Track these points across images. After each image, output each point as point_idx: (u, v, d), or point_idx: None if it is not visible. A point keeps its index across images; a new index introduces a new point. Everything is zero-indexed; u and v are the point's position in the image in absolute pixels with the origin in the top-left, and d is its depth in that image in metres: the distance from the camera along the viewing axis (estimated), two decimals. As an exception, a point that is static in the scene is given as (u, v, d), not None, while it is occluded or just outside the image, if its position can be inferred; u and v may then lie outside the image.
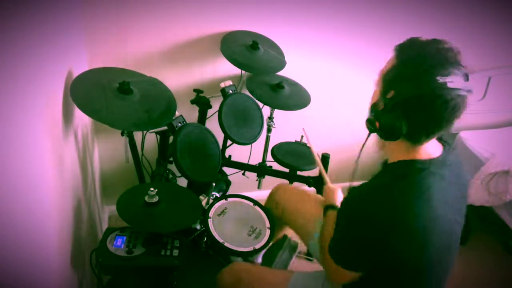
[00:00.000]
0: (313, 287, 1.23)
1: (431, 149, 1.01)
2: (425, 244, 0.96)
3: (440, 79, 0.88)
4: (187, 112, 1.61)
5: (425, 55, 0.92)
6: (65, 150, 1.20)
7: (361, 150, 1.09)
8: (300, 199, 1.52)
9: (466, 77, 0.93)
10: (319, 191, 1.78)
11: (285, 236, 1.77)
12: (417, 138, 0.97)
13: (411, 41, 0.98)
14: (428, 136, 0.97)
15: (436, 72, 0.88)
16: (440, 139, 1.08)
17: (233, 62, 1.65)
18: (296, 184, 1.79)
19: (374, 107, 1.00)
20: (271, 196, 1.61)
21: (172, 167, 1.61)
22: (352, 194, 1.06)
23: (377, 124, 0.97)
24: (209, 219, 1.45)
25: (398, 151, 1.01)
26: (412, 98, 0.90)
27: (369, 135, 1.04)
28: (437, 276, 1.05)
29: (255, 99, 1.73)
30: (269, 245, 1.44)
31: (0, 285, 0.64)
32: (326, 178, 1.46)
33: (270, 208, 1.55)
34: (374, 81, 1.02)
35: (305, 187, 1.83)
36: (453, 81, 0.89)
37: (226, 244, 1.37)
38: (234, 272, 1.30)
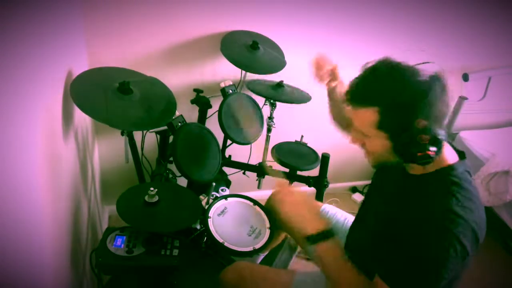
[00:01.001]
0: (318, 287, 1.23)
1: (449, 151, 1.00)
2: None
3: (421, 77, 0.90)
4: (187, 112, 1.61)
5: (391, 74, 0.92)
6: (65, 150, 1.20)
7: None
8: (298, 202, 1.51)
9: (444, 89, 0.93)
10: (319, 191, 1.78)
11: (285, 236, 1.77)
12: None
13: (369, 88, 0.95)
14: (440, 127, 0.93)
15: (415, 76, 0.91)
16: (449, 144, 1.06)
17: (233, 62, 1.65)
18: (295, 184, 1.79)
19: (402, 146, 0.94)
20: (269, 202, 1.61)
21: (172, 166, 1.61)
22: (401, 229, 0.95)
23: (430, 152, 0.93)
24: (209, 219, 1.45)
25: None
26: (420, 105, 0.89)
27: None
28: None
29: (255, 97, 1.74)
30: (270, 247, 1.44)
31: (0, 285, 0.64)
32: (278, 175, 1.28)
33: (270, 210, 1.55)
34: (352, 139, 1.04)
35: (305, 187, 1.83)
36: (423, 70, 0.91)
37: (226, 244, 1.37)
38: (238, 270, 1.30)
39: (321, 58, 1.32)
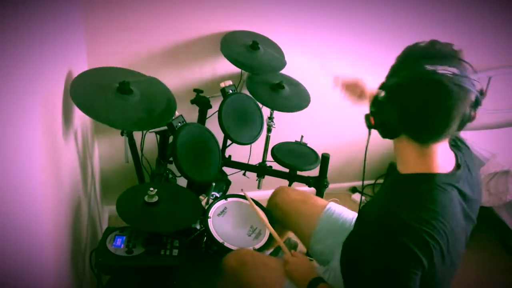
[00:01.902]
0: None
1: (445, 161, 0.95)
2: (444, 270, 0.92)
3: (429, 67, 0.85)
4: (187, 112, 1.61)
5: (415, 50, 0.92)
6: (65, 150, 1.20)
7: (366, 149, 1.05)
8: (300, 200, 1.51)
9: (465, 71, 0.88)
10: (319, 191, 1.77)
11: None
12: (423, 137, 0.91)
13: (413, 46, 0.96)
14: (432, 134, 0.90)
15: (425, 62, 0.86)
16: (453, 145, 1.04)
17: (233, 62, 1.64)
18: (295, 184, 1.79)
19: (374, 102, 0.97)
20: (271, 199, 1.60)
21: (172, 167, 1.61)
22: (367, 229, 0.97)
23: (371, 119, 0.96)
24: (209, 219, 1.45)
25: (409, 157, 0.95)
26: (400, 86, 0.89)
27: (369, 132, 1.01)
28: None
29: (255, 98, 1.73)
30: (271, 246, 1.44)
31: (0, 285, 0.64)
32: (285, 249, 1.33)
33: (270, 210, 1.55)
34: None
35: (305, 187, 1.83)
36: (446, 70, 0.84)
37: (226, 244, 1.37)
38: (240, 256, 1.29)
39: (350, 82, 1.32)
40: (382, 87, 0.95)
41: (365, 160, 1.09)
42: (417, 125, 0.90)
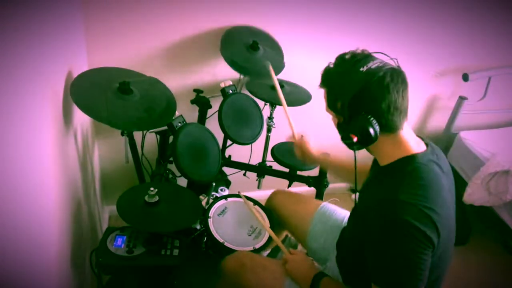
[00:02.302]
0: None
1: (416, 143, 1.03)
2: (446, 242, 0.97)
3: (364, 68, 0.95)
4: (187, 112, 1.61)
5: (340, 64, 1.00)
6: (65, 150, 1.20)
7: (355, 174, 1.09)
8: (295, 201, 1.54)
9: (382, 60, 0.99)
10: (319, 191, 1.78)
11: (285, 236, 1.77)
12: (390, 125, 0.97)
13: (324, 71, 1.05)
14: (397, 118, 0.97)
15: (356, 67, 0.96)
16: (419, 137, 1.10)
17: (232, 66, 1.65)
18: (295, 184, 1.79)
19: (340, 127, 1.04)
20: (268, 201, 1.62)
21: (172, 167, 1.61)
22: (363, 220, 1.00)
23: (353, 137, 0.98)
24: (209, 219, 1.45)
25: (387, 149, 1.02)
26: (357, 94, 0.95)
27: (355, 153, 1.05)
28: (442, 272, 1.05)
29: (255, 98, 1.73)
30: (271, 246, 1.45)
31: (0, 285, 0.64)
32: (284, 248, 1.36)
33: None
34: (331, 119, 1.09)
35: (305, 187, 1.83)
36: (374, 64, 0.96)
37: (226, 244, 1.37)
38: (238, 258, 1.30)
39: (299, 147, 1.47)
40: (338, 110, 1.01)
41: (356, 181, 1.10)
42: (388, 116, 0.96)
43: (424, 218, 0.90)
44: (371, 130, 0.95)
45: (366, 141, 0.97)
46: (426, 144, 1.05)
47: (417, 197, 0.92)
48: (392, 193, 0.94)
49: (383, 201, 0.95)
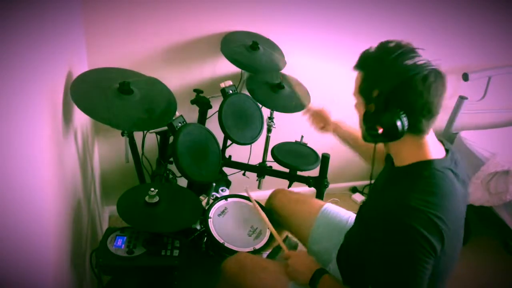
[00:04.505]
0: None
1: (436, 148, 1.00)
2: (454, 247, 0.96)
3: (409, 62, 0.92)
4: (187, 112, 1.61)
5: (385, 52, 0.96)
6: (65, 150, 1.20)
7: (372, 168, 1.08)
8: (297, 201, 1.53)
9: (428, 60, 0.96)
10: (319, 191, 1.77)
11: (285, 236, 1.77)
12: (418, 127, 0.95)
13: (363, 54, 1.01)
14: (427, 121, 0.95)
15: (402, 59, 0.93)
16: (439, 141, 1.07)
17: (233, 62, 1.64)
18: (295, 184, 1.79)
19: (366, 115, 1.00)
20: (269, 201, 1.61)
21: (172, 167, 1.60)
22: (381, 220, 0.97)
23: (379, 128, 0.95)
24: (209, 219, 1.45)
25: (407, 149, 0.99)
26: (396, 88, 0.92)
27: (375, 146, 1.03)
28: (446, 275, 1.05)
29: (254, 99, 1.73)
30: (271, 246, 1.44)
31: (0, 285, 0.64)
32: (285, 247, 1.37)
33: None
34: (354, 104, 1.06)
35: (305, 187, 1.83)
36: (420, 60, 0.93)
37: (226, 245, 1.37)
38: (239, 260, 1.29)
39: (316, 113, 1.47)
40: (371, 98, 0.97)
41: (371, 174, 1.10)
42: (419, 118, 0.94)
43: (432, 227, 0.88)
44: (400, 126, 0.92)
45: (391, 136, 0.95)
46: (447, 150, 1.03)
47: (428, 204, 0.90)
48: (403, 197, 0.92)
49: (393, 204, 0.94)
